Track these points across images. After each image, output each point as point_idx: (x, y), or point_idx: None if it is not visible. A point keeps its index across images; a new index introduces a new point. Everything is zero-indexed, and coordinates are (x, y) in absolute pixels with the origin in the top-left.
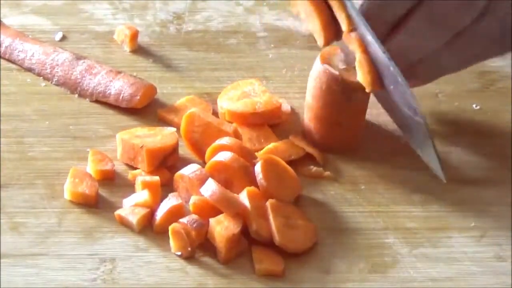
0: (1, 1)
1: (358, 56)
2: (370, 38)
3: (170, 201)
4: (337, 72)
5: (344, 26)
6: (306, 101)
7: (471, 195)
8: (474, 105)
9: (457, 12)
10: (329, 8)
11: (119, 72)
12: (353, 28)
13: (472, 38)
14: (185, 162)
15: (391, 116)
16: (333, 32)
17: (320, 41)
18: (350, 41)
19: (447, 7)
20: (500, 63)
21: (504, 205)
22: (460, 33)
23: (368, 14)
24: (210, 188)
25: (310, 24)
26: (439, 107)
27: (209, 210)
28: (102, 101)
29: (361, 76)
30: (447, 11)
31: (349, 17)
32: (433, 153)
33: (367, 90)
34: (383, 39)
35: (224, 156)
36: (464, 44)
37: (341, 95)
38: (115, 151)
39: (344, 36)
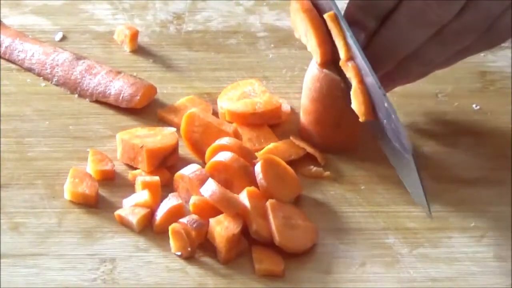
0: (1, 1)
1: (354, 85)
2: (367, 69)
3: (170, 201)
4: (338, 77)
5: (342, 53)
6: (302, 104)
7: (471, 195)
8: (474, 105)
9: (439, 6)
10: (326, 26)
11: (119, 72)
12: (350, 56)
13: (457, 31)
14: (185, 162)
15: (381, 145)
16: (329, 49)
17: (317, 58)
18: (347, 69)
19: (428, 1)
20: (500, 63)
21: (504, 205)
22: (444, 27)
23: (356, 10)
24: (210, 188)
25: (309, 44)
26: (439, 107)
27: (209, 210)
28: (102, 101)
29: (356, 105)
30: (429, 4)
31: (347, 46)
32: (421, 190)
33: (360, 120)
34: (372, 35)
35: (224, 156)
36: (450, 38)
37: (342, 100)
38: (115, 151)
39: (341, 63)
